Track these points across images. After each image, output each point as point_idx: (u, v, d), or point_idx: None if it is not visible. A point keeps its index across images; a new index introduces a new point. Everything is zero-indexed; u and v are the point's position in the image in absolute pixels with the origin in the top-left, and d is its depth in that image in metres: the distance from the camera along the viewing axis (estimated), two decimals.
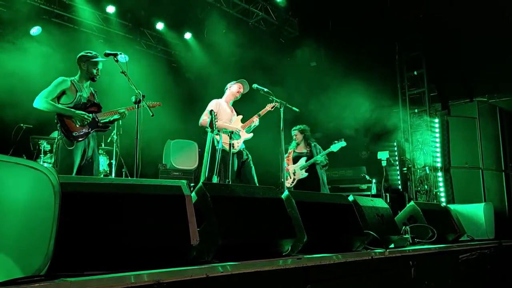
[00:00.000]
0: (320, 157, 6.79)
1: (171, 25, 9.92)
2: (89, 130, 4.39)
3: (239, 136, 5.46)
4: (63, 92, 4.36)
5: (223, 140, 5.24)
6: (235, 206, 2.38)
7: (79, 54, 4.52)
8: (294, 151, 7.11)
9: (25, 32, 7.84)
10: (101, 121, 4.51)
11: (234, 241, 2.22)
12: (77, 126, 4.31)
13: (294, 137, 7.11)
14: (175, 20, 9.78)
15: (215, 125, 5.01)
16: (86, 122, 4.33)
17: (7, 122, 6.82)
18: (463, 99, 9.31)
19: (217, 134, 5.13)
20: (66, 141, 4.25)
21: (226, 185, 2.53)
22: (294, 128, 7.14)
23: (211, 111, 5.04)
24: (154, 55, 10.47)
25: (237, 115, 5.77)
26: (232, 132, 5.19)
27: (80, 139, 4.30)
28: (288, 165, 7.06)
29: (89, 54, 4.49)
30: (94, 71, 4.49)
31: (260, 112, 5.68)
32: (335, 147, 6.85)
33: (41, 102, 4.24)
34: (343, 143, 6.85)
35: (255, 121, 5.61)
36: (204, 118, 5.41)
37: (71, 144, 4.24)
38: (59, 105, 4.30)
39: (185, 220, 2.10)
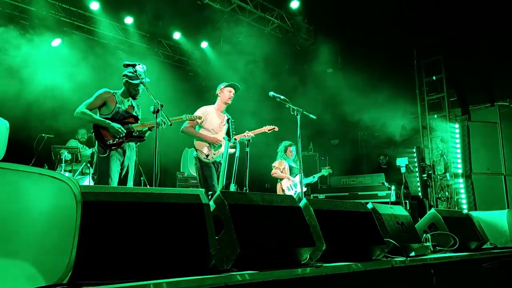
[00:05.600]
0: (317, 177, 7.91)
1: (188, 34, 10.04)
2: (123, 139, 4.48)
3: (219, 147, 5.27)
4: (103, 103, 4.50)
5: (201, 150, 5.25)
6: (254, 214, 2.38)
7: (123, 72, 4.61)
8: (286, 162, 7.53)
9: (46, 44, 8.04)
10: (136, 131, 4.60)
11: (252, 250, 2.22)
12: (111, 135, 4.43)
13: (290, 153, 7.48)
14: (191, 30, 9.90)
15: (231, 133, 5.01)
16: (119, 135, 4.44)
17: (29, 132, 6.98)
18: (483, 104, 9.16)
19: (233, 142, 5.14)
20: (100, 149, 4.40)
21: (244, 193, 2.53)
22: (292, 144, 7.44)
23: (228, 119, 5.06)
24: (172, 65, 10.61)
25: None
26: (210, 144, 5.22)
27: (113, 148, 4.42)
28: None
29: (129, 74, 4.54)
30: (133, 91, 4.60)
31: (253, 131, 5.63)
32: (325, 171, 8.09)
33: (80, 112, 4.41)
34: (330, 170, 8.23)
35: (247, 135, 5.49)
36: (187, 126, 5.31)
37: (104, 152, 4.38)
38: (96, 116, 4.46)
39: (203, 228, 2.11)
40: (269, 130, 5.84)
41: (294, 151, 7.42)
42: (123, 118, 4.54)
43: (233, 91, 5.44)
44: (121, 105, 4.56)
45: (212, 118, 5.39)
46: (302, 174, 5.66)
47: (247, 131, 5.58)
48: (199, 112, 5.38)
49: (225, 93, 5.43)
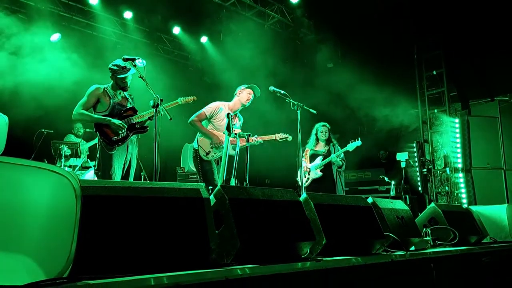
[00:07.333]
0: (335, 157, 6.48)
1: (188, 29, 10.01)
2: (128, 133, 4.48)
3: (219, 148, 5.19)
4: (97, 101, 4.48)
5: (203, 147, 5.16)
6: (254, 208, 2.38)
7: (109, 66, 4.60)
8: (311, 149, 6.77)
9: (45, 39, 8.01)
10: (138, 123, 4.58)
11: (252, 244, 2.22)
12: (114, 132, 4.42)
13: (320, 133, 6.71)
14: (191, 24, 9.87)
15: (231, 128, 4.97)
16: (121, 131, 4.43)
17: (29, 127, 6.97)
18: (483, 98, 9.14)
19: (233, 137, 5.11)
20: (106, 145, 4.38)
21: (244, 187, 2.53)
22: (323, 123, 6.76)
23: (228, 114, 5.03)
24: (171, 59, 10.59)
25: (239, 127, 5.38)
26: (213, 143, 5.14)
27: (120, 143, 4.42)
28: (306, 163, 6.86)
29: (114, 68, 4.54)
30: (121, 83, 4.57)
31: (263, 137, 5.34)
32: (351, 146, 6.64)
33: (77, 114, 4.39)
34: (358, 143, 6.61)
35: (255, 140, 5.23)
36: (194, 119, 5.21)
37: (111, 149, 4.37)
38: (95, 115, 4.44)
39: (204, 223, 2.11)
40: (280, 139, 5.47)
41: (326, 131, 6.67)
42: (121, 112, 4.54)
43: (252, 93, 5.35)
44: (115, 98, 4.55)
45: (222, 115, 5.30)
46: (302, 169, 5.64)
47: (256, 136, 5.31)
48: (212, 106, 5.29)
49: (244, 95, 5.34)
